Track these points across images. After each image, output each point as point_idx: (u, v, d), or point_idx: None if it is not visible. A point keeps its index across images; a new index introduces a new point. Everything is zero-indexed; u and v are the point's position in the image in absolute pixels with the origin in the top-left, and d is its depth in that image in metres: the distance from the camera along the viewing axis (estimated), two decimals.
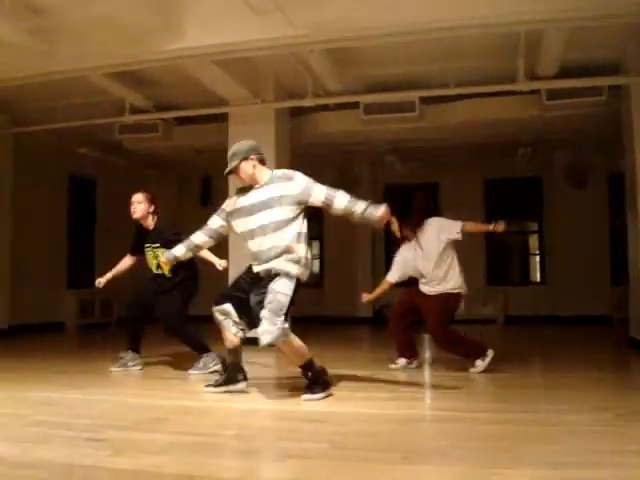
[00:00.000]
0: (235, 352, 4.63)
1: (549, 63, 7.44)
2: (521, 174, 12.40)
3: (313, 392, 4.36)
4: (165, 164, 12.67)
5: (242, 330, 4.53)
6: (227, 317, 4.49)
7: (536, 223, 13.24)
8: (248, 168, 4.46)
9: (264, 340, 4.15)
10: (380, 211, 4.29)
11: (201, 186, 13.55)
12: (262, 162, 4.54)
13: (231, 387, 4.63)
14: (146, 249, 6.11)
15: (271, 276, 4.30)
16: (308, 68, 7.83)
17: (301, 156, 9.93)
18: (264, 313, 4.14)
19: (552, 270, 12.40)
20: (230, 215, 4.60)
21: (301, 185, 4.40)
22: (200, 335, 5.84)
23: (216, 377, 5.00)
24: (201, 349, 5.77)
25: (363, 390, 4.83)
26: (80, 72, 7.13)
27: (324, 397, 4.37)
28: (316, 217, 13.35)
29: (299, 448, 3.09)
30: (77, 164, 11.47)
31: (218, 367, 5.49)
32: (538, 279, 13.14)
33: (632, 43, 7.25)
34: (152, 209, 6.16)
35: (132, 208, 6.12)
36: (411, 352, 5.90)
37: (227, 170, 4.53)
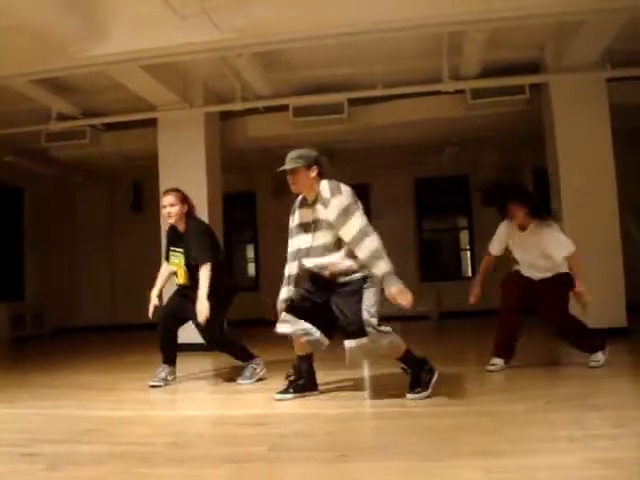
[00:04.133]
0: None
1: (472, 63, 7.65)
2: (449, 172, 12.63)
3: (415, 391, 4.27)
4: (95, 171, 12.44)
5: None
6: None
7: (465, 219, 13.51)
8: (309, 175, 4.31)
9: None
10: (394, 289, 4.02)
11: (132, 192, 13.37)
12: (320, 175, 4.34)
13: (307, 394, 4.54)
14: (172, 252, 5.46)
15: None
16: (236, 72, 7.82)
17: (232, 160, 9.92)
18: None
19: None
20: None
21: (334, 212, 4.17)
22: (243, 342, 5.52)
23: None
24: (247, 357, 5.43)
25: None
26: (2, 80, 6.95)
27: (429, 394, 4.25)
28: (249, 221, 13.41)
29: (236, 452, 3.10)
30: (3, 173, 11.11)
31: (264, 373, 5.37)
32: (469, 274, 13.41)
33: (550, 42, 7.56)
34: (186, 209, 5.45)
35: (166, 212, 5.38)
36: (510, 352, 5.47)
37: (287, 167, 4.29)
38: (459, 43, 7.11)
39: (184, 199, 5.42)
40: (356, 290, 4.16)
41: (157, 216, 7.42)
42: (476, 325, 10.22)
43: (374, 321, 4.07)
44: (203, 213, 7.92)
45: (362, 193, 11.98)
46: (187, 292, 5.27)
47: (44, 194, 12.23)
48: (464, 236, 13.73)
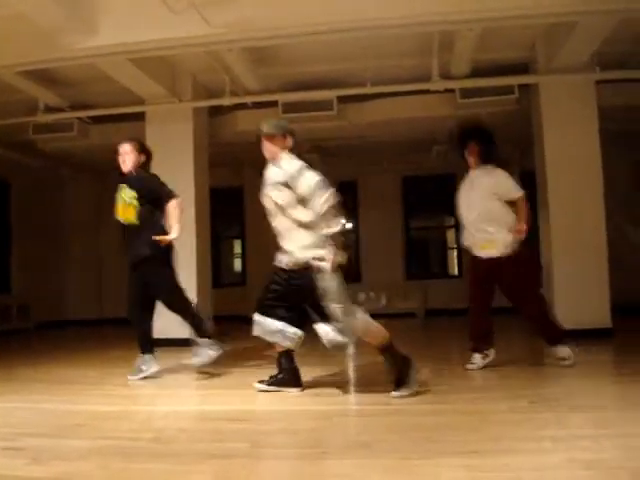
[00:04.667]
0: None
1: (462, 63, 7.66)
2: (437, 171, 12.65)
3: (400, 389, 4.24)
4: (83, 164, 12.35)
5: None
6: None
7: (453, 218, 13.52)
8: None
9: None
10: (332, 256, 4.11)
11: None
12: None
13: (287, 389, 4.56)
14: (121, 188, 5.41)
15: None
16: (226, 67, 7.80)
17: (220, 155, 9.90)
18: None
19: (468, 263, 12.65)
20: None
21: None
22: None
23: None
24: (201, 331, 5.42)
25: None
26: None
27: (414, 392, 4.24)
28: (237, 216, 13.37)
29: (219, 448, 3.10)
30: None
31: (219, 353, 5.36)
32: (456, 272, 13.45)
33: (540, 43, 7.59)
34: (143, 159, 5.54)
35: (120, 159, 5.44)
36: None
37: (268, 131, 4.45)
38: (450, 41, 7.11)
39: (142, 149, 5.53)
40: (306, 284, 4.22)
41: None
42: (462, 323, 10.23)
43: (342, 307, 4.14)
44: (190, 207, 7.90)
45: (350, 190, 12.21)
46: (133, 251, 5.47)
47: (31, 187, 12.12)
48: (451, 234, 13.76)
